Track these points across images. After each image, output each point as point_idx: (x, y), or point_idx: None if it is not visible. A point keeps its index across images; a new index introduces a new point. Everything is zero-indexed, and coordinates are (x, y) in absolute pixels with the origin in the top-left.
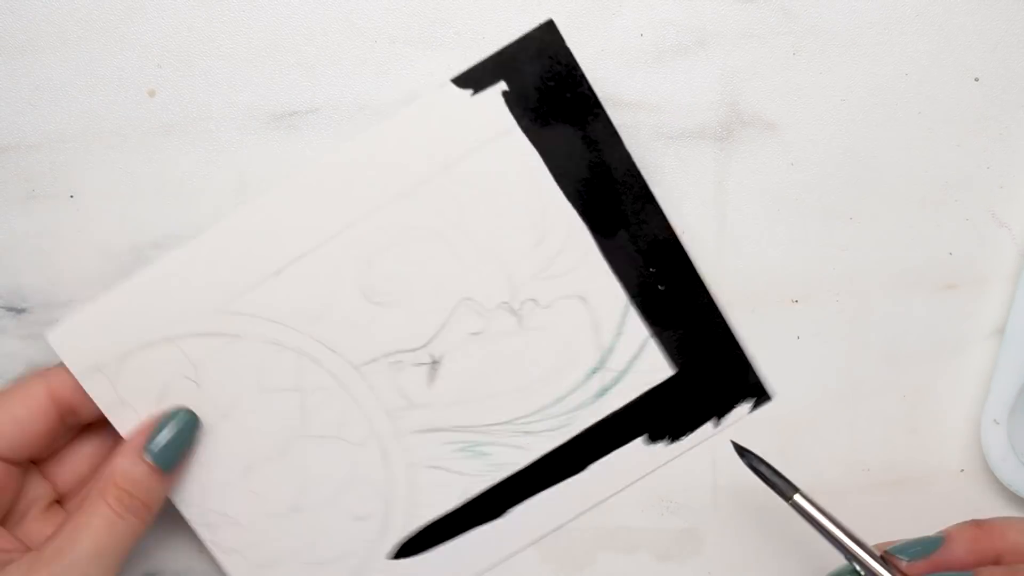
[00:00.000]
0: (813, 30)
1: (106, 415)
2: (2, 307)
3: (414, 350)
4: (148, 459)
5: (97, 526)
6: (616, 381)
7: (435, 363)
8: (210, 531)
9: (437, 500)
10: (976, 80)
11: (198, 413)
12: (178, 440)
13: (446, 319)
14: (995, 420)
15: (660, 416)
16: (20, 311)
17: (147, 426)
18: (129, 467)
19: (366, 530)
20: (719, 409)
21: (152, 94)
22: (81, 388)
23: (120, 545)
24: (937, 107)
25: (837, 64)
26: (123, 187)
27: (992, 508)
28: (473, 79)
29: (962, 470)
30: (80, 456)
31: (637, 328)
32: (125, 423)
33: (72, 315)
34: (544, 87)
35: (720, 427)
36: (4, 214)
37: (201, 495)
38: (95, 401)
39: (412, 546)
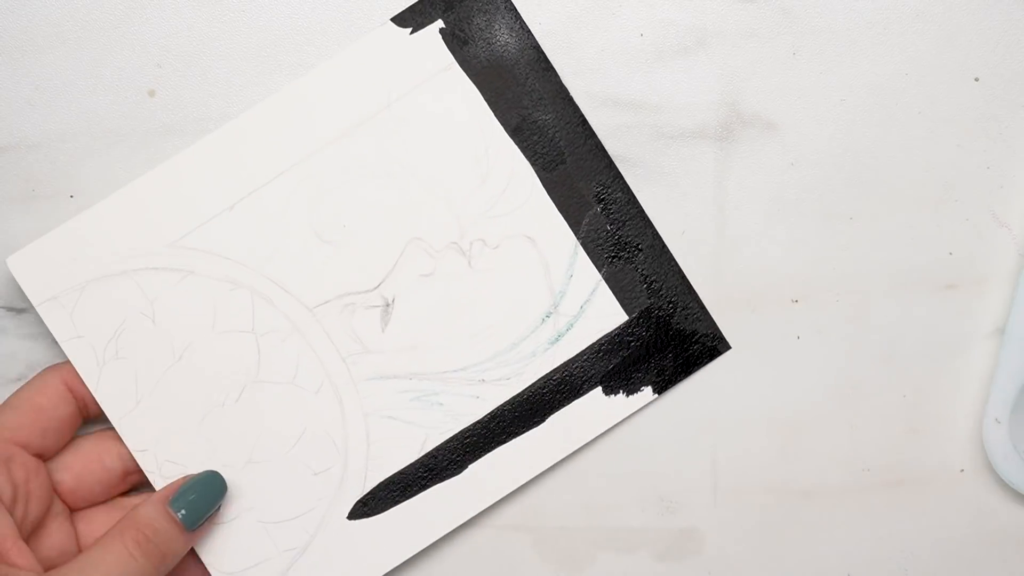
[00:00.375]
0: (813, 30)
1: (61, 347)
2: (2, 307)
3: (366, 292)
4: (174, 513)
5: (111, 562)
6: (569, 327)
7: (388, 306)
8: (165, 482)
9: (395, 453)
10: (976, 80)
11: (154, 353)
12: (206, 501)
13: (396, 259)
14: (996, 419)
15: (616, 365)
16: (20, 311)
17: (178, 482)
18: (154, 515)
19: (324, 485)
20: (676, 358)
21: (152, 94)
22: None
23: None
24: (937, 107)
25: (837, 64)
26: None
27: (992, 508)
28: (412, 18)
29: (962, 470)
30: (78, 456)
31: (588, 271)
32: (80, 356)
33: (31, 243)
34: (481, 23)
35: (678, 379)
36: (4, 214)
37: (156, 442)
38: (51, 331)
39: (371, 505)
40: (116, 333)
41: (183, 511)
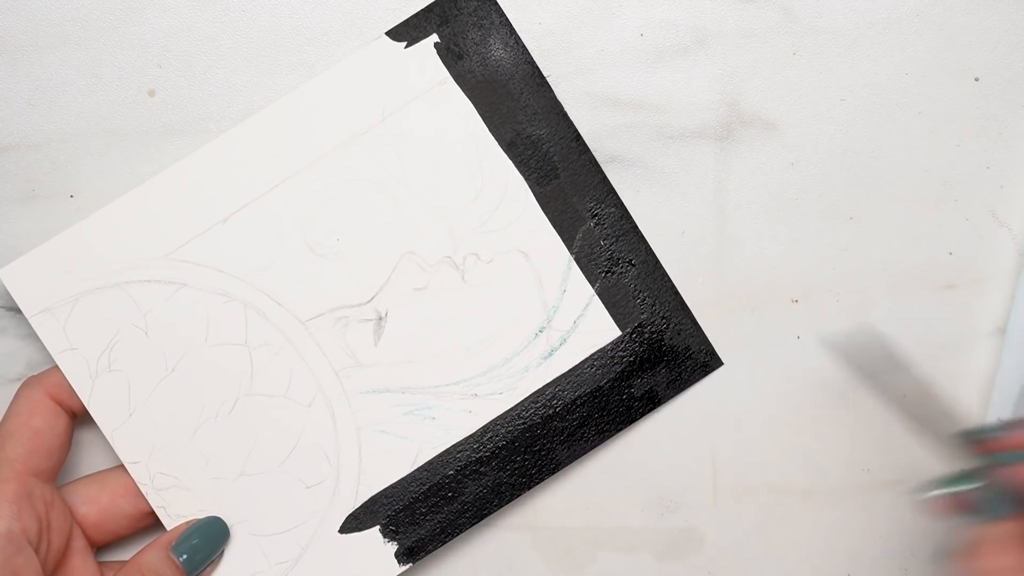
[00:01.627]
0: (813, 30)
1: (54, 359)
2: (2, 307)
3: (359, 305)
4: (176, 559)
5: None
6: (562, 341)
7: (380, 319)
8: (158, 495)
9: (387, 467)
10: (976, 80)
11: (147, 365)
12: (208, 547)
13: (390, 273)
14: (1000, 418)
15: (609, 381)
16: (20, 311)
17: (181, 527)
18: (156, 561)
19: (316, 499)
20: (669, 374)
21: (152, 94)
22: (72, 391)
23: None
24: (937, 107)
25: (837, 64)
26: (123, 187)
27: None
28: (407, 32)
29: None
30: (104, 490)
31: (581, 285)
32: (73, 368)
33: (24, 255)
34: (476, 37)
35: (670, 395)
36: (4, 214)
37: (149, 454)
38: (45, 344)
39: (363, 519)
40: (109, 345)
41: (185, 556)
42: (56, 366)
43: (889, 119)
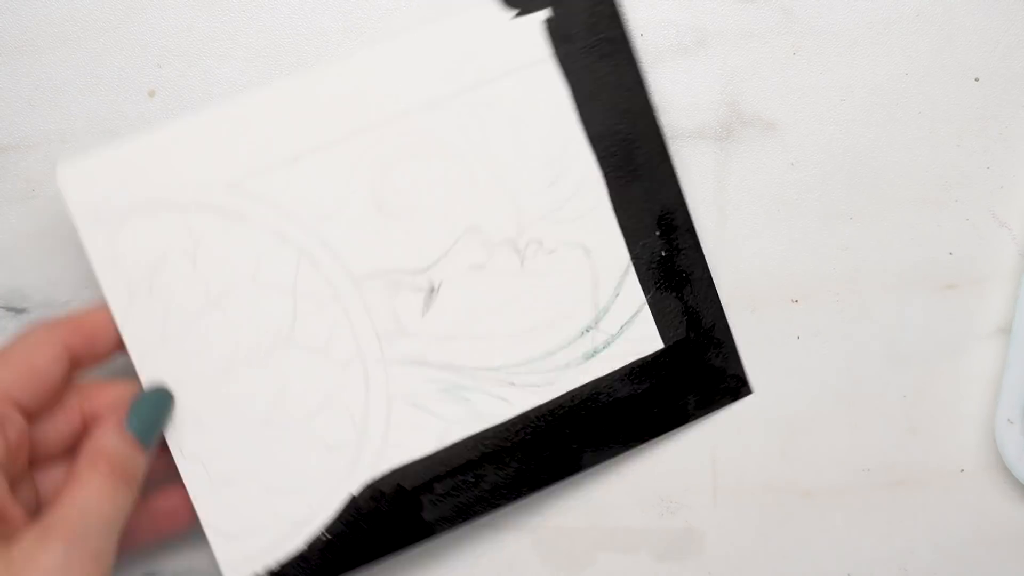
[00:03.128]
0: (813, 30)
1: (95, 270)
2: (2, 307)
3: (415, 273)
4: (130, 433)
5: (99, 497)
6: (606, 344)
7: (433, 291)
8: (175, 430)
9: (412, 442)
10: (976, 80)
11: (189, 295)
12: (157, 417)
13: (451, 246)
14: (1009, 420)
15: (643, 391)
16: (20, 311)
17: (125, 402)
18: (115, 440)
19: (335, 461)
20: (699, 393)
21: (152, 94)
22: (88, 339)
23: (121, 515)
24: (937, 107)
25: (837, 64)
26: None
27: (992, 508)
28: (520, 0)
29: (962, 470)
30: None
31: (634, 292)
32: (113, 284)
33: (84, 158)
34: (588, 23)
35: (697, 415)
36: (4, 214)
37: (174, 386)
38: (89, 255)
39: (379, 490)
40: (154, 268)
41: (139, 431)
42: (77, 312)
43: (889, 119)
